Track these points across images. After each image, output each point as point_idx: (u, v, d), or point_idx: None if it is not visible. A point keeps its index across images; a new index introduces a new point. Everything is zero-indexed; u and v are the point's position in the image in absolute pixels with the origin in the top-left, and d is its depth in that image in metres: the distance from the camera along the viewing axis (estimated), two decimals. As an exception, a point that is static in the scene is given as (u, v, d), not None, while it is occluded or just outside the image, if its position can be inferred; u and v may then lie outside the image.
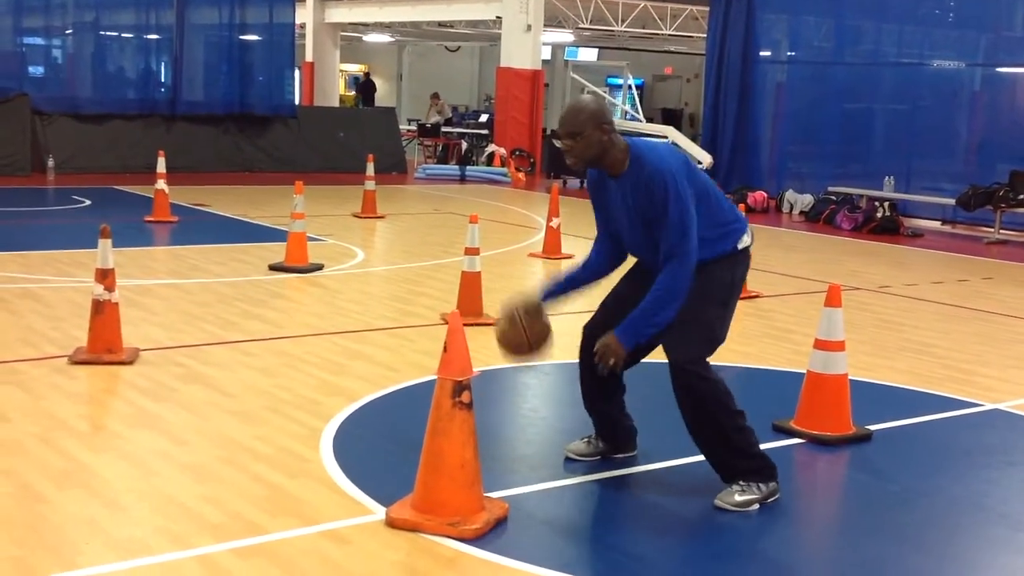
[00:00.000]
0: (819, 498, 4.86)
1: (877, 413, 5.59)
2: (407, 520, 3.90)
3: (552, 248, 10.64)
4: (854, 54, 17.87)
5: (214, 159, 18.34)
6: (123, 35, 19.09)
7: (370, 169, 13.44)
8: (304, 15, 24.62)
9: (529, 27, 20.28)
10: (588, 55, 30.43)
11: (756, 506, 4.27)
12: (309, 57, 25.87)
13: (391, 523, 3.92)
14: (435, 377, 3.92)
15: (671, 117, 29.11)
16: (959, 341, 7.70)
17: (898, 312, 8.76)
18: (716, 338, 4.30)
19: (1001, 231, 14.29)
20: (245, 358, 6.29)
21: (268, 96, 19.40)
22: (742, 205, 9.59)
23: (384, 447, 4.88)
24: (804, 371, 5.36)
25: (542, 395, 6.15)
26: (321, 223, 11.98)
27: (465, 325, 4.03)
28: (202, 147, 18.25)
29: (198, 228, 11.84)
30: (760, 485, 4.30)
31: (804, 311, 8.44)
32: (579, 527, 4.16)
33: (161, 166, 12.01)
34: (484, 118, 25.31)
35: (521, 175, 19.88)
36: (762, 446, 4.82)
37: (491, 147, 21.12)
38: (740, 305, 8.74)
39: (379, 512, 4.03)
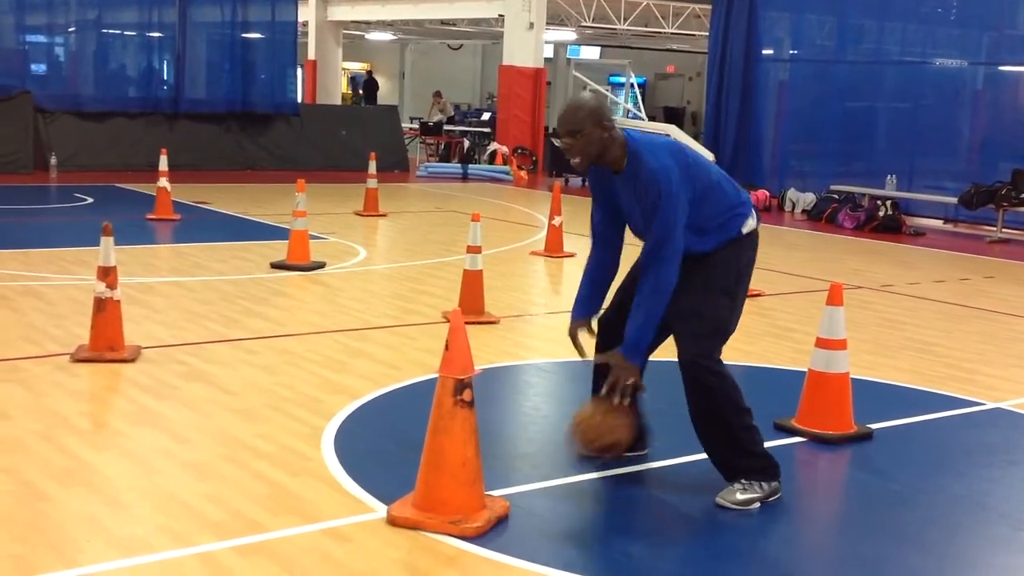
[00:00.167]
0: (820, 497, 4.86)
1: (879, 412, 5.59)
2: (408, 518, 3.90)
3: (554, 246, 10.64)
4: (856, 52, 17.85)
5: (216, 157, 18.34)
6: (125, 33, 19.10)
7: (372, 167, 13.44)
8: (306, 13, 24.62)
9: (531, 25, 20.28)
10: (590, 53, 30.41)
11: (757, 505, 4.26)
12: (311, 55, 25.88)
13: (392, 521, 3.92)
14: (437, 375, 3.92)
15: (673, 115, 29.10)
16: (961, 340, 7.70)
17: (900, 311, 8.75)
18: (726, 330, 4.29)
19: (1003, 230, 14.28)
20: (247, 356, 6.29)
21: (270, 94, 19.39)
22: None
23: (385, 445, 4.89)
24: (806, 370, 5.36)
25: (544, 393, 6.15)
26: (323, 221, 11.99)
27: (467, 323, 4.03)
28: (204, 145, 18.26)
29: (200, 226, 11.84)
30: (762, 484, 4.29)
31: (806, 310, 8.43)
32: (580, 525, 4.16)
33: (163, 164, 12.01)
34: (486, 116, 25.32)
35: (523, 173, 19.88)
36: (764, 444, 4.81)
37: (493, 145, 21.12)
38: (742, 304, 8.77)
39: (380, 510, 4.03)
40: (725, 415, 4.22)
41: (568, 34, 25.11)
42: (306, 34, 25.40)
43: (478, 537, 3.83)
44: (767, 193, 17.15)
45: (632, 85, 23.45)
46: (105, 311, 5.98)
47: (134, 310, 7.09)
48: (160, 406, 5.27)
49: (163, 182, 11.84)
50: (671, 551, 3.94)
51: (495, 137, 21.83)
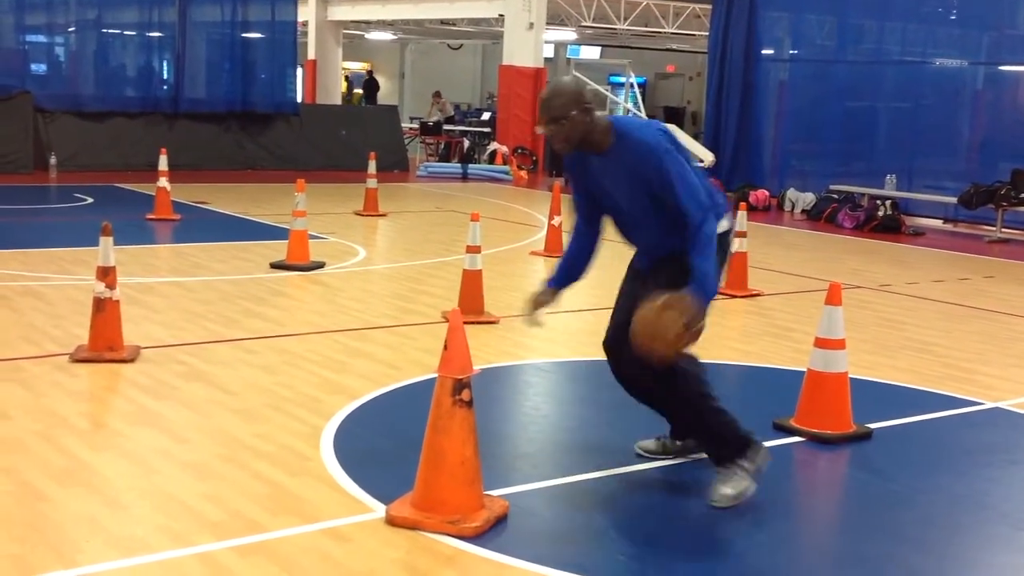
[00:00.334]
0: (819, 497, 4.86)
1: (878, 411, 5.59)
2: (407, 518, 3.91)
3: (554, 246, 10.63)
4: (856, 52, 17.85)
5: (216, 157, 18.34)
6: (125, 33, 19.10)
7: (372, 167, 13.44)
8: (306, 13, 24.62)
9: (531, 25, 20.28)
10: (591, 53, 30.41)
11: (751, 489, 4.25)
12: (311, 55, 25.87)
13: (391, 521, 3.92)
14: (436, 375, 3.92)
15: (673, 115, 29.09)
16: (960, 340, 7.70)
17: (899, 310, 8.75)
18: (697, 332, 4.20)
19: (1003, 230, 14.27)
20: (246, 356, 6.29)
21: (270, 94, 19.39)
22: (743, 204, 9.56)
23: (385, 445, 4.89)
24: (805, 369, 5.36)
25: (543, 393, 6.15)
26: (323, 221, 11.99)
27: (466, 323, 4.04)
28: (204, 145, 18.26)
29: (200, 226, 11.84)
30: (742, 463, 4.25)
31: (805, 309, 8.43)
32: (579, 525, 4.15)
33: (163, 164, 12.01)
34: (486, 116, 25.32)
35: (523, 173, 19.88)
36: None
37: (493, 145, 21.13)
38: (741, 304, 8.83)
39: (379, 510, 4.03)
40: (692, 403, 4.25)
41: (568, 34, 25.12)
42: (306, 34, 25.40)
43: (477, 537, 3.83)
44: (767, 193, 17.15)
45: (632, 85, 23.45)
46: (104, 311, 5.98)
47: (133, 310, 7.09)
48: (159, 406, 5.27)
49: (163, 182, 11.84)
50: (670, 551, 3.94)
51: (495, 137, 21.83)
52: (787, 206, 16.82)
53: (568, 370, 6.38)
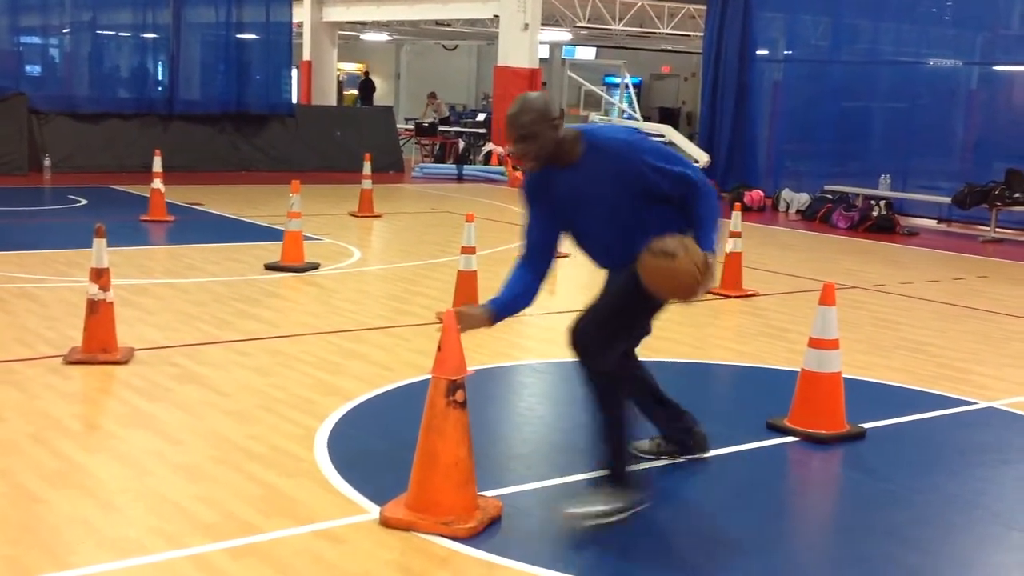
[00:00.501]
0: (813, 496, 4.86)
1: (872, 411, 5.60)
2: (401, 519, 3.91)
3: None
4: (851, 52, 17.87)
5: (211, 158, 18.32)
6: (120, 34, 19.07)
7: (367, 168, 13.44)
8: (301, 14, 24.60)
9: (526, 26, 20.26)
10: (586, 54, 30.44)
11: (604, 518, 4.00)
12: (307, 56, 25.85)
13: (385, 522, 3.92)
14: (430, 376, 3.92)
15: (668, 116, 29.14)
16: (954, 339, 7.71)
17: (893, 310, 8.76)
18: (632, 331, 4.19)
19: (997, 229, 14.29)
20: (240, 358, 6.29)
21: (265, 95, 19.38)
22: (738, 204, 9.57)
23: (379, 446, 4.88)
24: (799, 370, 5.36)
25: (538, 394, 6.15)
26: (318, 222, 11.98)
27: (459, 324, 4.03)
28: (199, 146, 18.23)
29: (194, 227, 11.83)
30: (621, 494, 4.06)
31: (800, 309, 8.44)
32: (573, 526, 4.15)
33: (157, 165, 12.01)
34: (481, 117, 25.29)
35: (518, 174, 19.87)
36: (757, 444, 4.86)
37: (488, 146, 21.12)
38: (736, 304, 8.83)
39: (373, 511, 4.03)
40: (602, 410, 4.10)
41: (563, 35, 25.12)
42: (301, 35, 25.38)
43: (471, 538, 3.83)
44: (762, 193, 17.16)
45: (627, 85, 23.44)
46: (98, 313, 5.97)
47: (127, 312, 7.08)
48: (153, 408, 5.26)
49: (157, 183, 11.83)
50: (663, 551, 3.94)
51: (490, 138, 21.81)
52: (782, 206, 16.84)
53: (562, 371, 6.38)
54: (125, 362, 5.98)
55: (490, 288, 8.29)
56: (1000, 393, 6.23)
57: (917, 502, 4.52)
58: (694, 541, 4.06)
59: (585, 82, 23.78)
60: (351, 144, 19.09)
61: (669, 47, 28.63)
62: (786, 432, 5.21)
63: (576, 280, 8.70)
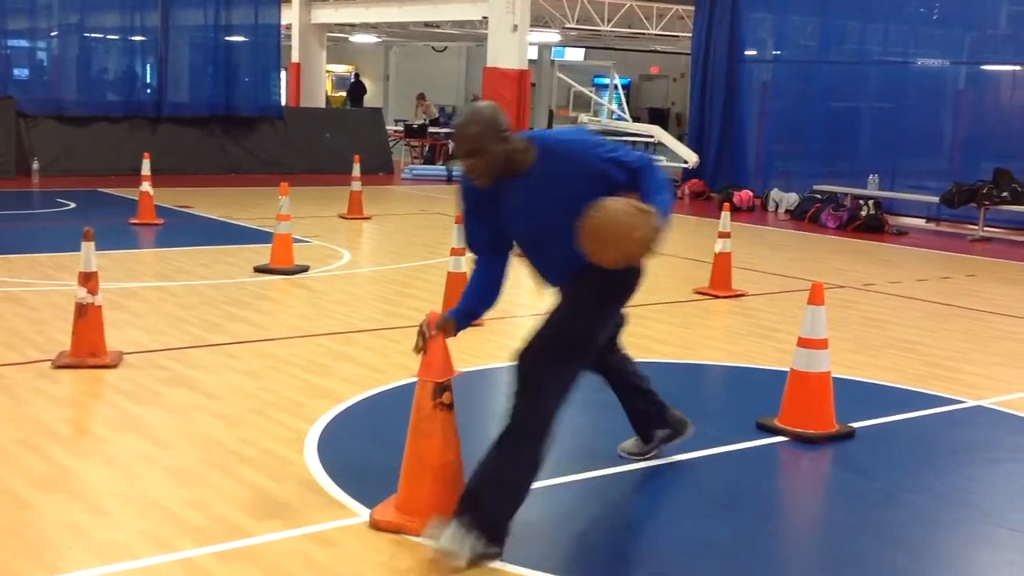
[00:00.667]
0: (802, 496, 4.87)
1: (861, 411, 5.61)
2: (391, 522, 3.90)
3: (538, 248, 10.64)
4: (839, 53, 17.91)
5: (199, 161, 18.28)
6: (108, 37, 19.02)
7: (356, 170, 13.43)
8: (290, 16, 24.55)
9: (515, 27, 20.26)
10: (575, 55, 30.48)
11: (461, 562, 3.62)
12: (295, 58, 25.82)
13: (375, 525, 3.92)
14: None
15: (658, 116, 29.21)
16: (943, 338, 7.73)
17: (882, 310, 8.79)
18: (580, 351, 3.89)
19: (985, 228, 14.34)
20: (230, 361, 6.28)
21: (254, 97, 19.35)
22: (727, 204, 9.58)
23: (369, 449, 4.88)
24: (788, 369, 5.37)
25: (527, 395, 6.14)
26: (307, 224, 11.96)
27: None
28: (187, 149, 18.19)
29: (183, 230, 11.81)
30: (483, 541, 3.66)
31: (789, 309, 8.46)
32: (565, 528, 4.16)
33: (146, 168, 11.98)
34: (471, 118, 25.28)
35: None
36: (747, 444, 4.85)
37: (478, 147, 21.08)
38: (725, 304, 8.84)
39: (363, 514, 4.03)
40: (515, 441, 3.75)
41: (552, 36, 25.12)
42: (290, 37, 25.35)
43: (461, 540, 3.82)
44: (751, 193, 17.19)
45: (616, 86, 23.45)
46: (87, 317, 5.95)
47: (116, 315, 7.06)
48: (142, 412, 5.25)
49: (146, 186, 11.81)
50: (657, 551, 3.95)
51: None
52: (771, 206, 16.87)
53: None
54: (114, 366, 5.96)
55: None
56: (989, 392, 6.25)
57: (906, 501, 4.54)
58: (685, 540, 4.06)
59: (574, 83, 23.81)
60: (340, 146, 19.08)
61: (658, 48, 28.67)
62: (776, 432, 5.22)
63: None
